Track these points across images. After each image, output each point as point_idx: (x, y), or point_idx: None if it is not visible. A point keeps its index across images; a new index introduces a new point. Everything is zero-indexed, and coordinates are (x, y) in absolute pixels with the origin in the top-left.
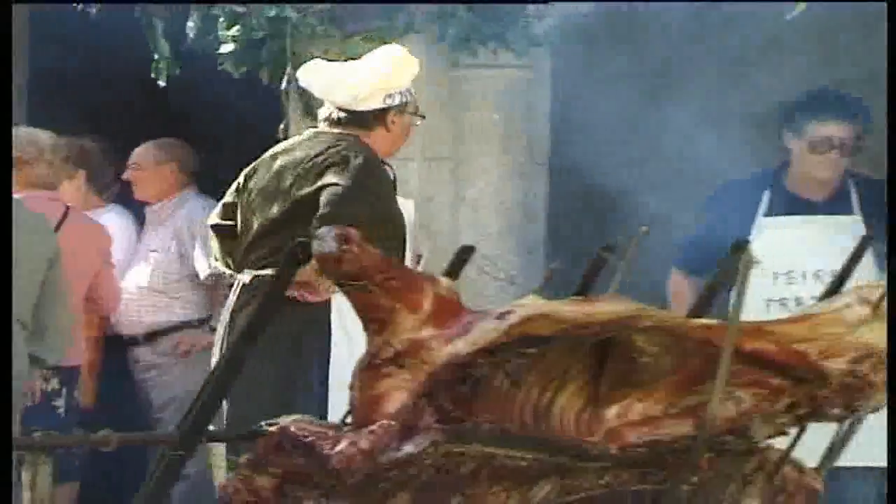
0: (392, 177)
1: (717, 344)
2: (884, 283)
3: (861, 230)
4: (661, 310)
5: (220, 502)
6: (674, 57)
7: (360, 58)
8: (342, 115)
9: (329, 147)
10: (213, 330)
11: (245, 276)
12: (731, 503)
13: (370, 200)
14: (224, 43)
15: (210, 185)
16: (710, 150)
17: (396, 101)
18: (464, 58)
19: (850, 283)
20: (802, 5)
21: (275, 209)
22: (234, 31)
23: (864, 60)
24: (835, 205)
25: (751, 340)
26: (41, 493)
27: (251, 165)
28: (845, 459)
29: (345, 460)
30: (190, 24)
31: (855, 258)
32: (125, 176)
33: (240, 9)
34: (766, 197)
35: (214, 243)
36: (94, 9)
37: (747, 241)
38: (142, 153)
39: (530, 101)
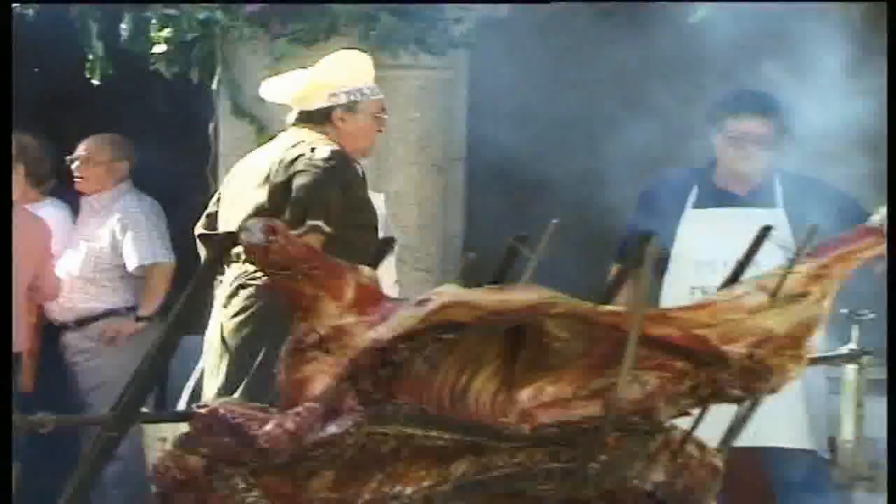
0: (361, 172)
1: (625, 329)
2: (781, 271)
3: (783, 223)
4: (571, 297)
5: (153, 481)
6: (585, 57)
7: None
8: (297, 114)
9: (298, 141)
10: (140, 319)
11: (230, 273)
12: (637, 480)
13: (340, 187)
14: (156, 44)
15: (142, 181)
16: (623, 143)
17: (342, 100)
18: (385, 59)
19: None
20: (706, 7)
21: (254, 204)
22: (166, 32)
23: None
24: (758, 198)
25: (656, 326)
26: None
27: (229, 173)
28: (769, 440)
29: (271, 440)
30: (123, 25)
31: (753, 249)
32: (75, 167)
33: (171, 11)
34: (694, 190)
35: (203, 252)
36: (31, 10)
37: (652, 234)
38: (95, 148)
39: (448, 100)
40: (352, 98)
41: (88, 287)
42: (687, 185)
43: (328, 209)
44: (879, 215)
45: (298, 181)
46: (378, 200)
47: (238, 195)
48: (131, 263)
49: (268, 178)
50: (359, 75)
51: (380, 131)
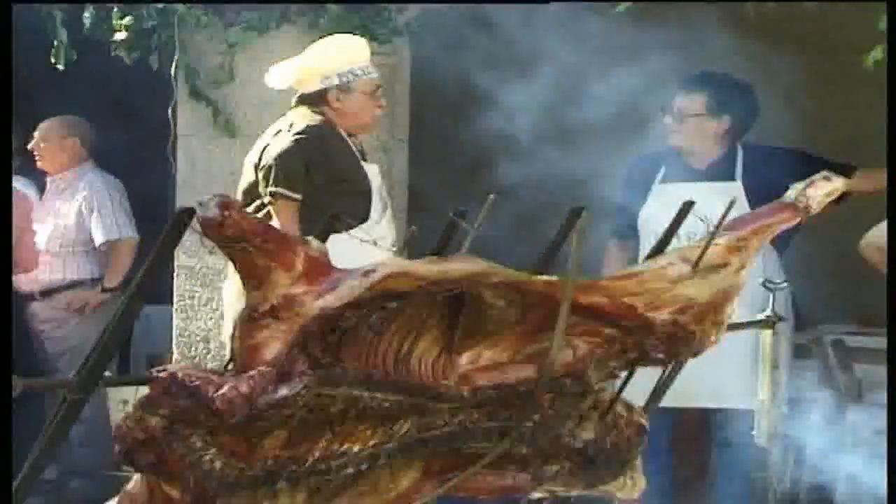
0: (356, 145)
1: (557, 298)
2: (703, 243)
3: (740, 194)
4: (505, 268)
5: (115, 440)
6: (518, 45)
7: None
8: (296, 98)
9: (287, 121)
10: (105, 290)
11: None
12: (568, 438)
13: (311, 158)
14: (117, 31)
15: (106, 160)
16: (557, 124)
17: (335, 82)
18: None
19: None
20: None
21: (247, 182)
22: (127, 20)
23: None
24: (717, 172)
25: (586, 295)
26: None
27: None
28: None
29: (227, 402)
30: (86, 14)
31: (676, 223)
32: (31, 146)
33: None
34: (662, 168)
35: None
36: None
37: (583, 208)
38: (48, 127)
39: (392, 84)
40: (344, 80)
41: (54, 260)
42: (657, 164)
43: (292, 177)
44: (794, 191)
45: (267, 152)
46: (372, 171)
47: (243, 175)
48: (98, 239)
49: (257, 156)
50: (351, 57)
51: (380, 107)
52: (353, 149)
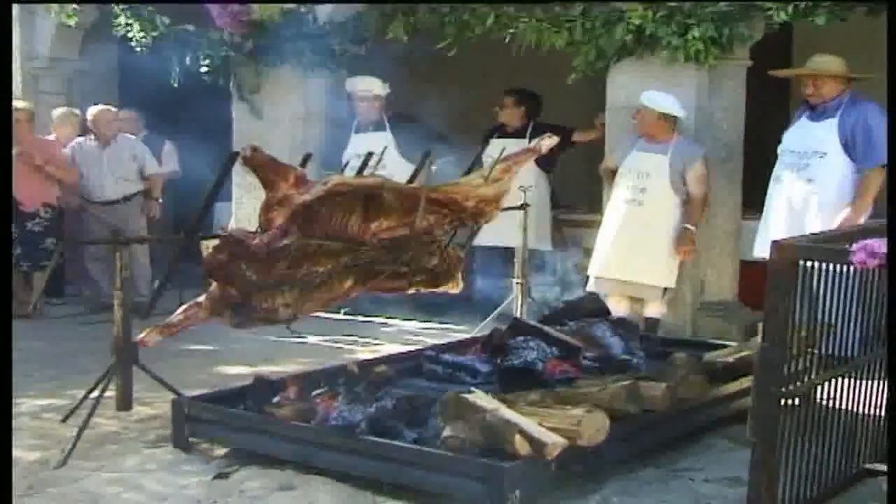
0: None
1: (419, 196)
2: (491, 168)
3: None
4: (396, 182)
5: (203, 266)
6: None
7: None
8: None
9: None
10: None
11: None
12: (425, 263)
13: None
14: (202, 66)
15: (197, 133)
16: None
17: None
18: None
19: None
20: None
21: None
22: (207, 61)
23: None
24: (518, 134)
25: (433, 194)
26: (125, 263)
27: None
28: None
29: (257, 247)
30: (187, 59)
31: (478, 156)
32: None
33: (209, 52)
34: (496, 134)
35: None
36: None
37: (429, 151)
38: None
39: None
40: None
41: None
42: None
43: None
44: (534, 142)
45: None
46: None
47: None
48: (147, 171)
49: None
50: None
51: None
52: None
